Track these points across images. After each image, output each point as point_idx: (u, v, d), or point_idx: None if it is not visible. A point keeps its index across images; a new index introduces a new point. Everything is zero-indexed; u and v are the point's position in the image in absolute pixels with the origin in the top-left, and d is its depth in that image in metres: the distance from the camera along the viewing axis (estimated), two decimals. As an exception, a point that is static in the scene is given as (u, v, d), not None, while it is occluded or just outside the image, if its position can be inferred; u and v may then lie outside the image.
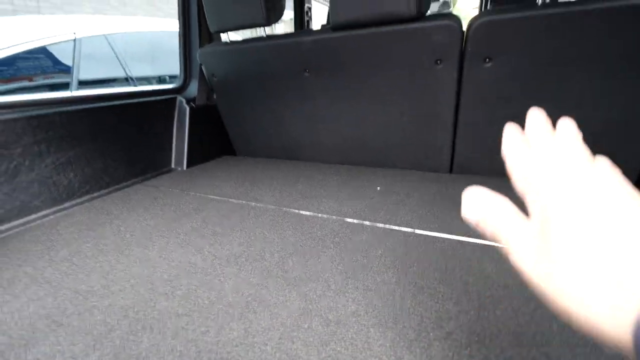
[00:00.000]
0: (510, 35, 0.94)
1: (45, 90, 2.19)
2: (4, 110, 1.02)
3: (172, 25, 2.98)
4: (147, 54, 2.86)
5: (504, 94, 1.04)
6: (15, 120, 1.02)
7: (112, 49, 2.42)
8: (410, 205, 0.98)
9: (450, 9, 2.98)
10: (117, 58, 2.46)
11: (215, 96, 1.61)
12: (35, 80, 2.18)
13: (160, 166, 1.51)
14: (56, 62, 2.21)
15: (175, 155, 1.56)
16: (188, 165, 1.54)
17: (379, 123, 1.29)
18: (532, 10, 0.89)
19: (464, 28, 1.01)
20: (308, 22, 2.59)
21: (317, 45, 1.19)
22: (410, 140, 1.27)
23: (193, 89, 1.60)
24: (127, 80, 2.70)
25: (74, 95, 1.23)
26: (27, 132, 1.05)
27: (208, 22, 1.37)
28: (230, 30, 1.34)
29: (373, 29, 1.08)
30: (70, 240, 0.89)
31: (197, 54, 1.48)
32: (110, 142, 1.29)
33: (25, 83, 2.16)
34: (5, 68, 2.06)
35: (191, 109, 1.55)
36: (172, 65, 2.97)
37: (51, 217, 1.06)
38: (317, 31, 1.22)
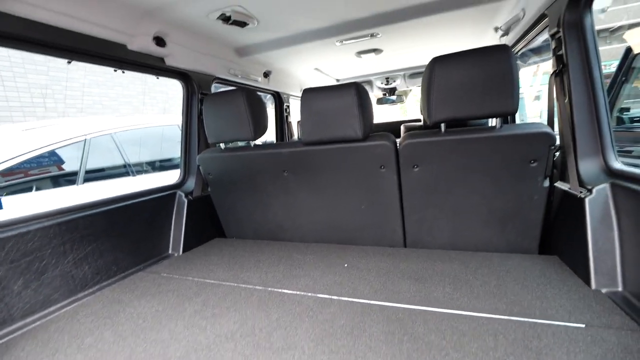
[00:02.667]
0: (426, 152, 1.34)
1: (50, 184, 2.45)
2: (41, 220, 1.27)
3: (157, 119, 3.46)
4: (142, 144, 3.27)
5: (432, 189, 1.41)
6: (49, 227, 1.27)
7: (116, 145, 2.78)
8: (369, 280, 1.25)
9: (403, 101, 3.64)
10: (120, 151, 2.81)
11: (209, 188, 1.92)
12: (41, 174, 2.45)
13: (159, 252, 1.73)
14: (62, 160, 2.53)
15: (173, 242, 1.79)
16: (184, 250, 1.77)
17: (345, 210, 1.61)
18: (438, 137, 1.30)
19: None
20: (287, 117, 3.10)
21: (293, 155, 1.57)
22: (370, 223, 1.59)
23: (191, 184, 1.92)
24: (124, 167, 3.01)
25: (95, 200, 1.49)
26: (57, 235, 1.29)
27: (207, 135, 1.75)
28: (225, 142, 1.72)
29: (333, 145, 1.47)
30: (92, 328, 1.08)
31: (197, 158, 1.83)
32: (121, 236, 1.53)
33: (33, 177, 2.43)
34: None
35: (189, 200, 1.84)
36: (158, 151, 3.35)
37: (68, 307, 1.24)
38: (292, 144, 1.61)
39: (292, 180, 1.65)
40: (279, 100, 2.99)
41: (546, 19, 1.42)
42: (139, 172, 3.08)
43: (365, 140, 1.42)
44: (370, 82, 3.48)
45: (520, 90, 1.29)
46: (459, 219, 1.43)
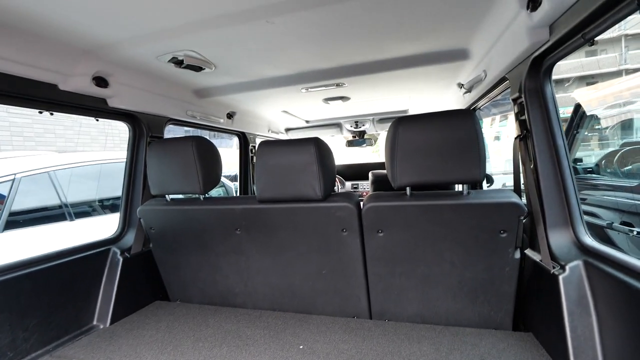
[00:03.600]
0: (391, 217, 1.22)
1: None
2: None
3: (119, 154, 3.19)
4: (98, 181, 2.97)
5: (398, 255, 1.28)
6: None
7: (53, 184, 2.46)
8: None
9: (373, 144, 3.64)
10: (56, 190, 2.48)
11: (151, 244, 1.67)
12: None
13: (80, 325, 1.43)
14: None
15: (100, 310, 1.50)
16: (113, 320, 1.48)
17: (304, 275, 1.44)
18: (403, 201, 1.19)
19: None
20: (252, 157, 2.96)
21: (246, 212, 1.40)
22: (332, 289, 1.42)
23: (129, 238, 1.67)
24: (60, 207, 2.65)
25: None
26: None
27: (150, 186, 1.54)
28: (170, 194, 1.52)
29: (290, 204, 1.32)
30: None
31: (138, 210, 1.60)
32: (26, 311, 1.23)
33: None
34: None
35: (124, 259, 1.58)
36: (114, 188, 3.04)
37: None
38: (246, 199, 1.44)
39: (245, 239, 1.46)
40: (245, 141, 2.86)
41: (507, 81, 1.43)
42: (82, 215, 2.73)
43: (326, 201, 1.29)
44: (339, 125, 3.46)
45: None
46: (428, 289, 1.30)
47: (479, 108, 2.25)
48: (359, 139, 3.58)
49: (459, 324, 1.30)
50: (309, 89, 1.95)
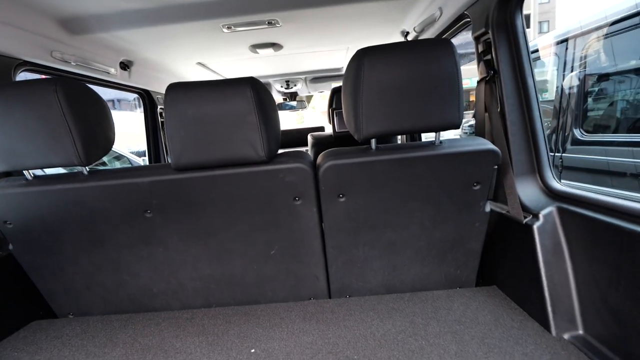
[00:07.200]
0: (355, 176, 1.00)
1: None
2: None
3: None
4: None
5: (362, 222, 1.08)
6: None
7: None
8: None
9: (305, 107, 3.36)
10: None
11: (10, 245, 1.14)
12: None
13: None
14: None
15: None
16: None
17: (246, 258, 1.14)
18: (369, 156, 0.97)
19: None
20: (162, 123, 2.40)
21: (158, 186, 1.00)
22: (284, 272, 1.16)
23: (-31, 240, 1.11)
24: None
25: None
26: None
27: (-7, 158, 1.00)
28: (31, 169, 1.01)
29: (222, 171, 0.98)
30: None
31: (-23, 196, 1.04)
32: None
33: None
34: None
35: None
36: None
37: None
38: (155, 168, 1.04)
39: (159, 223, 1.07)
40: (150, 101, 2.27)
41: (465, 19, 1.28)
42: None
43: (272, 162, 0.99)
44: (268, 85, 3.07)
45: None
46: (394, 257, 1.14)
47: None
48: (290, 101, 3.25)
49: (425, 288, 1.19)
50: (233, 27, 1.53)
